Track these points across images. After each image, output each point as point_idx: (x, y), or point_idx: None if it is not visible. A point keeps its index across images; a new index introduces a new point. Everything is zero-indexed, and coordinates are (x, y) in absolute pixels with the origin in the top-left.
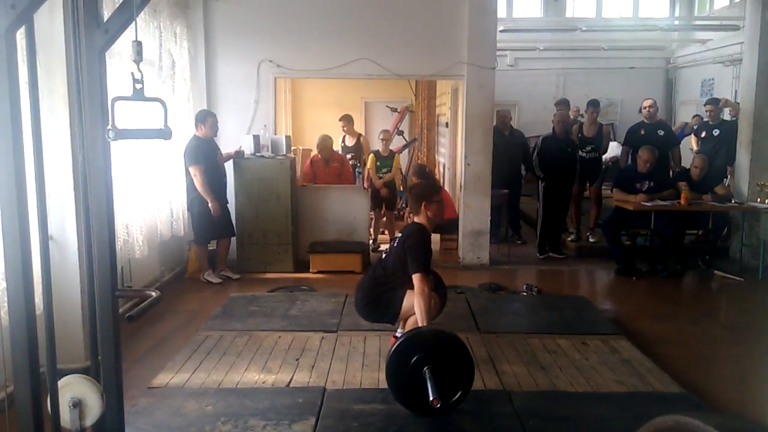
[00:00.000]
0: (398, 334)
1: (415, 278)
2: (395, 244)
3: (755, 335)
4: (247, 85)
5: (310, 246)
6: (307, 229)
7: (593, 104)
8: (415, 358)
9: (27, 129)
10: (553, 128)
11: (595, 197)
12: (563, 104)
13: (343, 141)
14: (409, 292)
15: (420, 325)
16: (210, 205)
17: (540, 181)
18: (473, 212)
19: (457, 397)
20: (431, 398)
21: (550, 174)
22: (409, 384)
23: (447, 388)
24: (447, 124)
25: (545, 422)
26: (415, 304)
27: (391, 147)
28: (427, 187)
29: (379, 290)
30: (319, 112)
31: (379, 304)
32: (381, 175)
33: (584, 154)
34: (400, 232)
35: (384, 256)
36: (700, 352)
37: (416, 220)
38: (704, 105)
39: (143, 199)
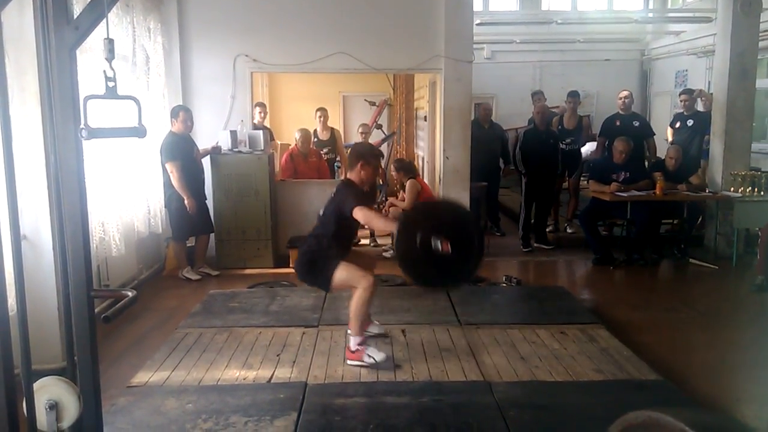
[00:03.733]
0: (349, 332)
1: (355, 212)
2: (330, 197)
3: (730, 322)
4: (223, 80)
5: (289, 241)
6: (287, 224)
7: (573, 95)
8: (421, 234)
9: None
10: (533, 121)
11: (573, 189)
12: (540, 94)
13: (315, 135)
14: (342, 265)
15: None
16: (186, 202)
17: (522, 176)
18: None
19: (472, 263)
20: (440, 247)
21: (533, 168)
22: (420, 259)
23: (459, 257)
24: (425, 117)
25: (525, 412)
26: (374, 227)
27: (370, 141)
28: (368, 148)
29: (316, 254)
30: (297, 106)
31: (314, 267)
32: None
33: (564, 146)
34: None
35: (322, 211)
36: (677, 339)
37: (348, 175)
38: (679, 95)
39: (119, 197)
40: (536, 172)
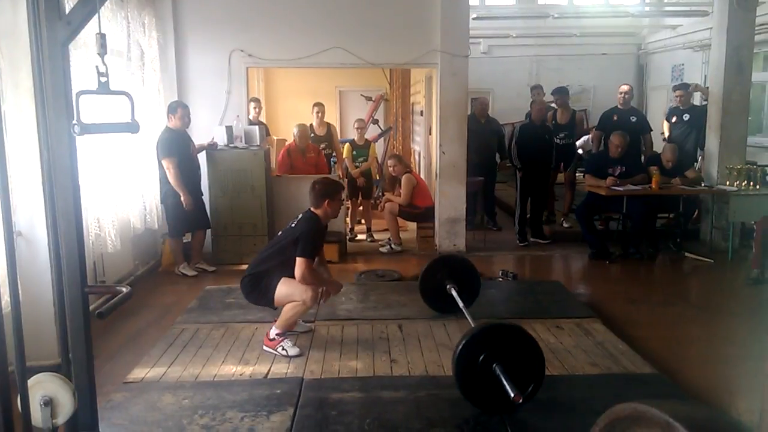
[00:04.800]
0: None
1: (299, 261)
2: (292, 225)
3: (725, 315)
4: (218, 75)
5: None
6: (283, 219)
7: (559, 92)
8: (482, 357)
9: None
10: (530, 116)
11: (569, 182)
12: (539, 88)
13: (312, 131)
14: (283, 280)
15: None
16: (182, 198)
17: (517, 171)
18: (449, 200)
19: (529, 390)
20: (512, 395)
21: (528, 163)
22: (480, 383)
23: (518, 382)
24: (422, 112)
25: (523, 407)
26: (298, 281)
27: (366, 136)
28: (332, 185)
29: (261, 274)
30: (293, 101)
31: (258, 287)
32: (357, 164)
33: (558, 141)
34: (300, 215)
35: (280, 234)
36: (672, 333)
37: (313, 209)
38: (674, 90)
39: (115, 193)
40: (531, 166)
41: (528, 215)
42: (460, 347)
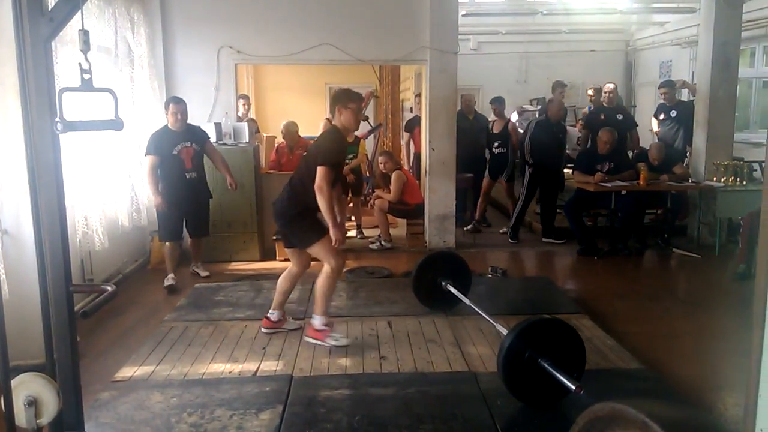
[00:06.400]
0: (269, 315)
1: (319, 170)
2: (313, 146)
3: (712, 310)
4: (207, 72)
5: (276, 234)
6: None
7: (497, 101)
8: (527, 354)
9: None
10: (545, 112)
11: (507, 192)
12: (561, 86)
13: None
14: (327, 237)
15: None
16: (154, 200)
17: (527, 167)
18: (438, 197)
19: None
20: (573, 388)
21: (540, 160)
22: (527, 379)
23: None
24: (411, 109)
25: (511, 402)
26: (318, 198)
27: (356, 133)
28: (345, 92)
29: (309, 211)
30: (283, 97)
31: (301, 220)
32: (347, 161)
33: (495, 150)
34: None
35: (305, 154)
36: (660, 328)
37: (334, 122)
38: (658, 88)
39: (103, 190)
40: (543, 163)
41: (539, 214)
42: (507, 345)
